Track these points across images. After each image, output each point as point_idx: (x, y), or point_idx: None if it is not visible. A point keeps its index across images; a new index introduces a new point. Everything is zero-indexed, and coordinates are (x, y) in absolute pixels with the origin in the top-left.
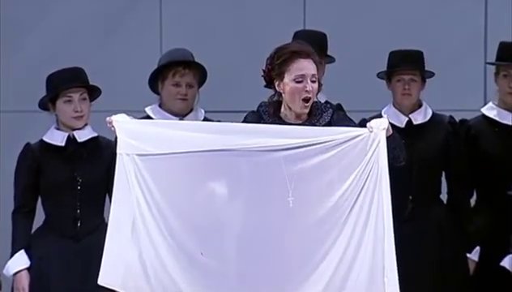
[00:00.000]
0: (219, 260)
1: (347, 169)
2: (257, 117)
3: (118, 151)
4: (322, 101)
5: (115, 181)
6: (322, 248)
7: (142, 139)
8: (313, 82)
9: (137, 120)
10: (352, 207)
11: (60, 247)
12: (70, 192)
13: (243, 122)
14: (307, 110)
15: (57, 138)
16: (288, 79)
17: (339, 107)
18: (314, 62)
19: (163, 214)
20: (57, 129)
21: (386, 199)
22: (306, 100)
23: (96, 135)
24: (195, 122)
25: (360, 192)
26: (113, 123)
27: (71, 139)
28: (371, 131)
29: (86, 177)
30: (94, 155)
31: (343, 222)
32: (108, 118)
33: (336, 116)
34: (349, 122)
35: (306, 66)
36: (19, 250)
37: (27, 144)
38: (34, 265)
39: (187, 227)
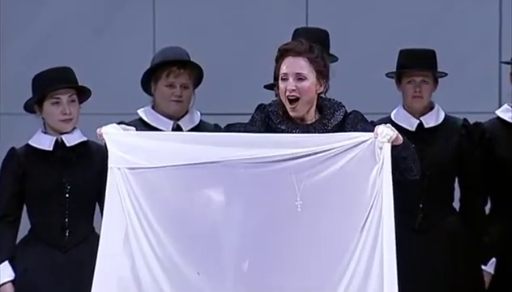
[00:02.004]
0: (214, 276)
1: (354, 183)
2: (264, 117)
3: (109, 165)
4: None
5: (106, 196)
6: (335, 271)
7: (134, 152)
8: (301, 80)
9: (128, 132)
10: (363, 227)
11: (47, 258)
12: (57, 199)
13: (251, 121)
14: (295, 113)
15: (45, 142)
16: (279, 79)
17: None
18: (308, 60)
19: (154, 230)
20: (45, 133)
21: (389, 221)
22: (290, 100)
23: (85, 139)
24: (190, 133)
25: (370, 211)
26: (103, 136)
27: (59, 144)
28: (376, 138)
29: (75, 183)
30: (83, 160)
31: (355, 244)
32: (98, 130)
33: (353, 116)
34: (365, 124)
35: (291, 64)
36: (4, 261)
37: (12, 149)
38: (19, 277)
39: (180, 243)
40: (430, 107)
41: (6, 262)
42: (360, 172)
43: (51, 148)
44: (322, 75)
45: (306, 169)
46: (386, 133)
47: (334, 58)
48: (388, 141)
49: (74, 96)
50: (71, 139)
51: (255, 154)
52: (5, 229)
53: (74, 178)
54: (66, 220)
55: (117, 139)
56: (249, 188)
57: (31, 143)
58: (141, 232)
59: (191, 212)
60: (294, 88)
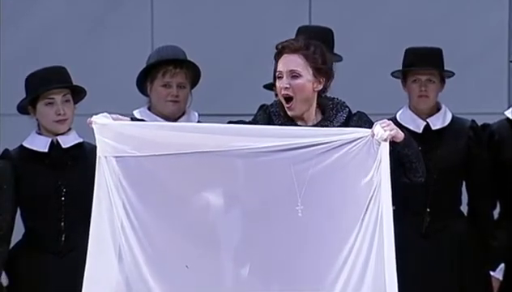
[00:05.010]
0: (209, 277)
1: (353, 179)
2: (267, 117)
3: (98, 154)
4: None
5: (95, 187)
6: (333, 269)
7: (123, 141)
8: (295, 77)
9: (120, 121)
10: (361, 224)
11: (42, 264)
12: (53, 203)
13: (253, 121)
14: (292, 112)
15: (40, 143)
16: (276, 77)
17: None
18: (304, 57)
19: (143, 223)
20: (39, 134)
21: (387, 221)
22: (285, 99)
23: (81, 140)
24: (184, 123)
25: (367, 209)
26: (92, 125)
27: (55, 145)
28: (372, 136)
29: (71, 186)
30: (79, 162)
31: (353, 241)
32: (88, 120)
33: (358, 118)
34: (370, 126)
35: (286, 62)
36: None
37: (6, 151)
38: (13, 283)
39: (171, 238)
40: (437, 108)
41: None
42: (359, 168)
43: (46, 150)
44: (320, 72)
45: (305, 161)
46: (380, 135)
47: (339, 58)
48: (385, 141)
49: (69, 96)
50: (67, 141)
51: (251, 144)
52: None
53: (70, 180)
54: (62, 224)
55: (106, 127)
56: (245, 180)
57: (25, 144)
58: (128, 224)
59: (182, 203)
60: (287, 85)
